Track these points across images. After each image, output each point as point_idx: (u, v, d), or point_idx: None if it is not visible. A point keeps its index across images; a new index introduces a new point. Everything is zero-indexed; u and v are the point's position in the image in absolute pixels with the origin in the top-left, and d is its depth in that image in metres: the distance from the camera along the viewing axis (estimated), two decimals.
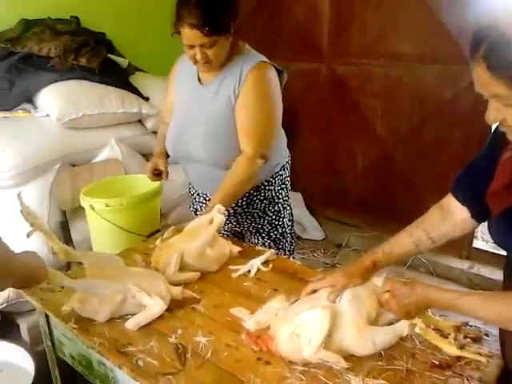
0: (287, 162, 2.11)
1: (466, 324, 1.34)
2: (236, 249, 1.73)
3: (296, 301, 1.32)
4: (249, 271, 1.63)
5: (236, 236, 2.14)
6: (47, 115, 2.57)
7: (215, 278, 1.61)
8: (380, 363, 1.20)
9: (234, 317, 1.38)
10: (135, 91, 2.90)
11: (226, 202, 1.77)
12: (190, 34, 1.66)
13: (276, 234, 2.11)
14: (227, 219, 2.00)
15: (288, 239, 2.16)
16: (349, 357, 1.19)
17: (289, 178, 2.15)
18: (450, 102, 3.07)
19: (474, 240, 3.29)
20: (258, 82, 1.80)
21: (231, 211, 2.00)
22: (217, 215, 1.63)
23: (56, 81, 2.59)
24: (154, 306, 1.38)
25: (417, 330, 1.23)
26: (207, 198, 2.05)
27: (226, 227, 2.09)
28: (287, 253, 2.17)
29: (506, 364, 1.16)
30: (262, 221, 2.07)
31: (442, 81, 3.08)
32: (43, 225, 1.37)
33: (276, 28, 3.74)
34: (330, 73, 3.50)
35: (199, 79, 1.91)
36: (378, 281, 1.33)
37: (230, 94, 1.81)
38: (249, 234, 2.12)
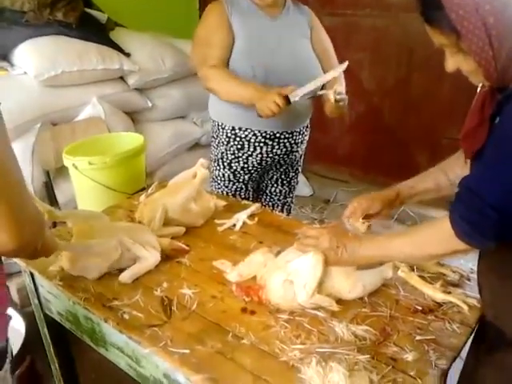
0: None
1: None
2: (221, 203, 1.72)
3: (279, 252, 1.32)
4: (234, 225, 1.63)
5: (255, 193, 2.24)
6: (25, 73, 2.49)
7: (200, 232, 1.61)
8: (364, 310, 1.22)
9: (219, 269, 1.38)
10: (116, 47, 2.81)
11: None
12: None
13: (295, 183, 2.29)
14: (271, 154, 2.07)
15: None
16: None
17: None
18: (438, 52, 3.01)
19: None
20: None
21: (288, 148, 2.08)
22: (200, 169, 1.62)
23: (32, 37, 2.49)
24: (150, 257, 1.38)
25: (399, 272, 1.25)
26: (262, 135, 2.02)
27: (250, 185, 2.16)
28: (290, 204, 2.35)
29: (483, 309, 1.18)
30: (296, 165, 2.23)
31: None
32: None
33: None
34: None
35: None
36: (361, 227, 1.33)
37: (306, 27, 2.03)
38: (274, 183, 2.24)
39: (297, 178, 2.29)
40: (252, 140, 2.01)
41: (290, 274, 1.20)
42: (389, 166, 3.39)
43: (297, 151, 2.14)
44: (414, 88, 3.24)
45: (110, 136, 2.50)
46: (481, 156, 0.97)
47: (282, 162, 2.13)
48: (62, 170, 2.45)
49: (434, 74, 3.09)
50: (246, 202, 1.84)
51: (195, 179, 1.63)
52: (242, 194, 2.15)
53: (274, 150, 2.05)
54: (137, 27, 3.16)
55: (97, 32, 2.81)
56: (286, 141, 2.04)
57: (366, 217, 1.39)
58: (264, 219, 1.68)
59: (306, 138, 2.18)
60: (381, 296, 1.27)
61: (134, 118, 2.92)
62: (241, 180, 2.11)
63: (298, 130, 2.07)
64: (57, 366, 1.66)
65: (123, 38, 2.95)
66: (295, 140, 2.08)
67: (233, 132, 2.03)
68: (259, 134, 2.00)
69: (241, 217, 1.64)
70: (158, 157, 2.88)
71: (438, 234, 1.04)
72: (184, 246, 1.48)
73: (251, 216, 1.67)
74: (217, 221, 1.66)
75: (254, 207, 1.70)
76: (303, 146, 2.19)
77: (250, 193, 2.19)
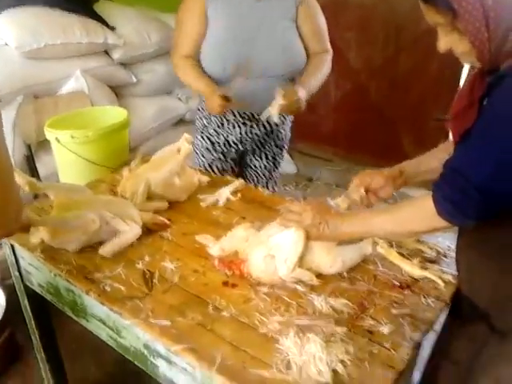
0: None
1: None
2: (204, 178, 1.72)
3: (261, 227, 1.33)
4: (217, 200, 1.63)
5: (232, 168, 2.21)
6: (6, 44, 2.44)
7: (184, 207, 1.61)
8: (343, 284, 1.24)
9: (201, 243, 1.39)
10: (100, 20, 2.75)
11: (308, 97, 1.88)
12: None
13: (280, 159, 2.25)
14: (250, 134, 2.07)
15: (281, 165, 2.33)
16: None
17: None
18: (425, 32, 3.01)
19: None
20: None
21: (268, 129, 2.07)
22: (184, 144, 1.61)
23: (11, 6, 2.43)
24: (130, 231, 1.38)
25: (379, 248, 1.26)
26: (241, 115, 2.03)
27: (230, 156, 2.15)
28: (275, 180, 2.32)
29: (459, 285, 1.21)
30: (280, 142, 2.18)
31: (418, 10, 3.00)
32: None
33: None
34: None
35: None
36: (342, 203, 1.34)
37: (291, 7, 1.91)
38: (251, 155, 2.20)
39: (282, 154, 2.27)
40: (231, 119, 2.02)
41: (272, 249, 1.22)
42: (374, 145, 3.41)
43: (278, 131, 2.13)
44: (400, 67, 3.24)
45: (94, 110, 2.46)
46: (468, 137, 0.98)
47: (262, 141, 2.13)
48: (43, 144, 2.41)
49: (420, 54, 3.10)
50: (229, 177, 1.84)
51: (179, 154, 1.62)
52: (219, 165, 2.15)
53: (254, 131, 2.04)
54: (122, 0, 3.10)
55: (80, 4, 2.74)
56: (265, 122, 2.02)
57: (368, 191, 1.39)
58: (247, 195, 1.68)
59: (290, 118, 2.17)
60: (359, 271, 1.29)
61: (118, 92, 2.88)
62: (219, 151, 2.12)
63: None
64: (37, 337, 1.67)
65: (108, 11, 2.89)
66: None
67: None
68: (238, 115, 2.00)
69: (224, 192, 1.65)
70: (141, 132, 2.86)
71: (419, 213, 1.06)
72: (166, 220, 1.48)
73: (234, 192, 1.67)
74: (200, 196, 1.66)
75: (238, 183, 1.71)
76: (287, 127, 2.17)
77: (230, 165, 2.18)
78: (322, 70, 2.01)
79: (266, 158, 2.22)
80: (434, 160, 1.35)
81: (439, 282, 1.22)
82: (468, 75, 1.09)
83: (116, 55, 2.79)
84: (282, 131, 2.16)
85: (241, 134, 2.04)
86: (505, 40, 0.91)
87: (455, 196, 0.96)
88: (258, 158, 2.22)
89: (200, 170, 1.87)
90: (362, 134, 3.52)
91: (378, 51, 3.29)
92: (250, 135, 2.05)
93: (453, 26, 0.94)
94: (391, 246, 1.33)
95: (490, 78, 0.97)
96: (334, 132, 3.69)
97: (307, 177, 3.66)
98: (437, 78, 3.05)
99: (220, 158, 2.14)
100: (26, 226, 1.27)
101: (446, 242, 1.65)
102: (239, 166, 2.26)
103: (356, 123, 3.56)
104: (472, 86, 1.04)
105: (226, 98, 1.81)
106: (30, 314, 1.60)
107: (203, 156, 2.15)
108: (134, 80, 2.88)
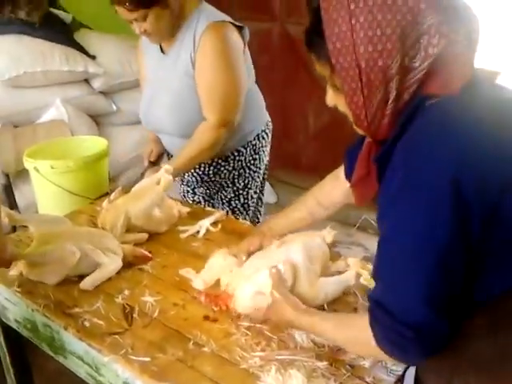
0: (264, 131, 2.01)
1: None
2: (185, 209, 1.72)
3: (238, 254, 1.34)
4: (197, 232, 1.63)
5: (208, 201, 2.12)
6: None
7: (163, 239, 1.60)
8: None
9: (182, 276, 1.38)
10: (80, 49, 2.78)
11: (183, 168, 1.82)
12: (119, 11, 1.62)
13: (237, 204, 2.06)
14: (198, 184, 2.05)
15: (250, 211, 2.11)
16: None
17: (267, 148, 2.07)
18: None
19: None
20: (212, 44, 1.68)
21: (198, 178, 2.01)
22: (164, 175, 1.61)
23: None
24: (111, 264, 1.37)
25: (362, 280, 1.27)
26: None
27: (198, 191, 2.11)
28: (250, 214, 2.15)
29: None
30: (229, 190, 2.04)
31: None
32: None
33: None
34: (282, 33, 3.44)
35: (161, 47, 1.86)
36: (328, 236, 1.35)
37: (187, 62, 1.74)
38: (217, 200, 2.10)
39: (238, 200, 2.06)
40: None
41: (261, 286, 1.18)
42: None
43: (214, 179, 2.00)
44: None
45: (73, 139, 2.45)
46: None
47: (207, 183, 2.03)
48: (22, 173, 2.39)
49: None
50: (209, 209, 1.84)
51: (159, 185, 1.62)
52: (190, 197, 2.13)
53: (187, 177, 2.05)
54: (103, 29, 3.12)
55: (61, 32, 2.77)
56: (193, 171, 1.99)
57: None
58: (227, 226, 1.68)
59: (229, 165, 1.97)
60: (340, 304, 1.28)
61: (99, 121, 2.88)
62: (186, 183, 2.12)
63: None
64: (12, 375, 1.61)
65: (88, 39, 2.92)
66: (204, 171, 1.98)
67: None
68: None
69: (204, 224, 1.64)
70: (121, 161, 2.85)
71: (366, 348, 0.91)
72: (147, 253, 1.47)
73: (215, 223, 1.67)
74: (180, 227, 1.65)
75: (218, 214, 1.70)
76: (230, 172, 1.98)
77: (200, 197, 2.12)
78: (195, 142, 1.78)
79: (222, 202, 2.07)
80: (303, 210, 1.39)
81: None
82: (366, 141, 0.98)
83: (96, 84, 2.80)
84: (222, 175, 1.99)
85: (185, 174, 2.04)
86: (382, 113, 0.79)
87: (391, 335, 0.80)
88: (219, 195, 2.08)
89: (180, 201, 1.87)
90: (342, 163, 3.56)
91: None
92: (190, 178, 2.04)
93: (331, 82, 0.85)
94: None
95: (376, 155, 0.86)
96: (315, 161, 3.72)
97: (288, 206, 3.66)
98: None
99: (188, 191, 2.13)
100: (8, 261, 1.25)
101: None
102: (212, 199, 2.14)
103: (335, 153, 3.57)
104: (368, 153, 0.94)
105: (149, 156, 2.01)
106: (6, 351, 1.56)
107: (177, 186, 2.16)
108: (115, 109, 2.89)
